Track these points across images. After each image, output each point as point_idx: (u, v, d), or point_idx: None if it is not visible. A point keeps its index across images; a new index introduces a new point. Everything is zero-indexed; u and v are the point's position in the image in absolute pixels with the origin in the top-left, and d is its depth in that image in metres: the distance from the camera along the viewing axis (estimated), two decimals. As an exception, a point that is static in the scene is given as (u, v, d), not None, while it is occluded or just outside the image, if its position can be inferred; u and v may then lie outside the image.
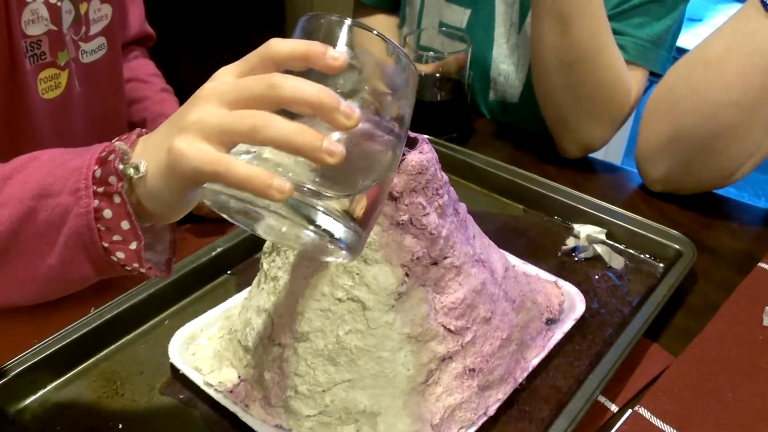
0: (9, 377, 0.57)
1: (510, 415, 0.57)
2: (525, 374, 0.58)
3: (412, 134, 0.54)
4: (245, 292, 0.63)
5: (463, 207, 0.58)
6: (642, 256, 0.75)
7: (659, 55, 0.90)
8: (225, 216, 0.42)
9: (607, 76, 0.86)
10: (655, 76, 0.92)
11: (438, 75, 0.93)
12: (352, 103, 0.39)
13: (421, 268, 0.52)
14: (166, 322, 0.66)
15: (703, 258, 0.73)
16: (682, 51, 0.86)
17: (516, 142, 0.98)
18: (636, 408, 0.58)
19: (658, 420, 0.57)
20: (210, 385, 0.56)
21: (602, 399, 0.59)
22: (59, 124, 0.77)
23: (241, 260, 0.73)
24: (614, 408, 0.59)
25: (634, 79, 0.89)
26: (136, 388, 0.59)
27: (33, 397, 0.58)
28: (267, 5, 2.43)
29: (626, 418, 0.57)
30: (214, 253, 0.70)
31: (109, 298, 0.64)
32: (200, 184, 0.40)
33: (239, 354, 0.57)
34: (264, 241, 0.49)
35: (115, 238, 0.45)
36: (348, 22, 0.41)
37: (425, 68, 0.93)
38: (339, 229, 0.39)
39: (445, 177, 0.54)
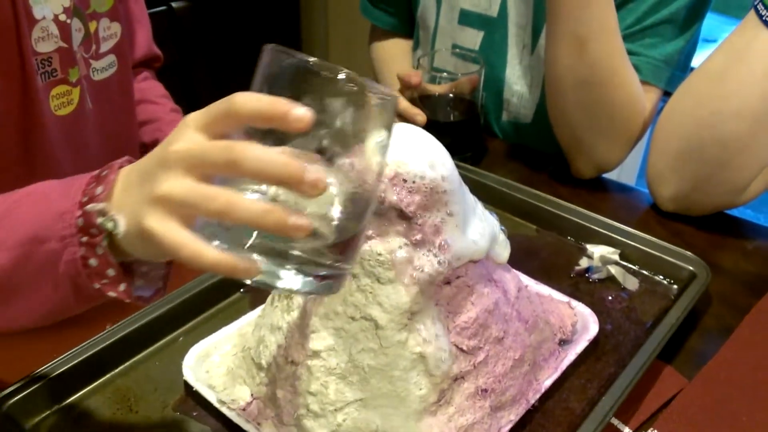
0: (25, 392, 0.57)
1: (522, 437, 0.57)
2: (537, 395, 0.58)
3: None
4: (259, 310, 0.64)
5: (475, 227, 0.58)
6: (656, 277, 0.75)
7: (672, 75, 0.91)
8: None
9: (622, 95, 0.86)
10: (668, 96, 0.92)
11: (451, 95, 0.94)
12: (319, 165, 0.39)
13: (434, 287, 0.52)
14: (180, 339, 0.66)
15: (717, 280, 0.73)
16: (694, 71, 0.86)
17: (529, 162, 0.99)
18: (649, 431, 0.58)
19: (673, 443, 0.56)
20: (223, 403, 0.57)
21: (615, 421, 0.59)
22: (73, 141, 0.78)
23: (254, 278, 0.73)
24: (627, 431, 0.58)
25: (648, 98, 0.90)
26: (150, 404, 0.60)
27: (48, 413, 0.59)
28: (283, 23, 2.47)
29: (640, 441, 0.57)
30: (228, 271, 0.71)
31: (124, 315, 0.64)
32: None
33: (252, 372, 0.57)
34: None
35: (104, 281, 0.47)
36: (312, 66, 0.39)
37: (439, 89, 0.94)
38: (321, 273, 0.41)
39: (458, 197, 0.55)
